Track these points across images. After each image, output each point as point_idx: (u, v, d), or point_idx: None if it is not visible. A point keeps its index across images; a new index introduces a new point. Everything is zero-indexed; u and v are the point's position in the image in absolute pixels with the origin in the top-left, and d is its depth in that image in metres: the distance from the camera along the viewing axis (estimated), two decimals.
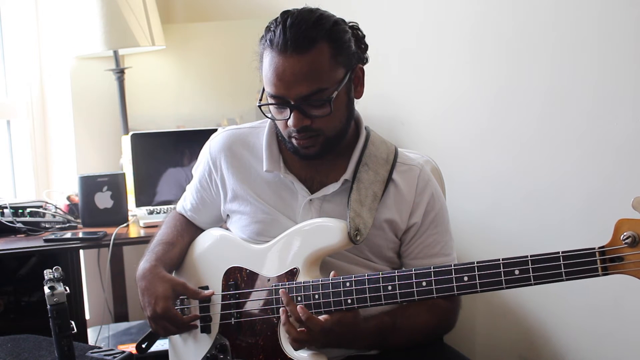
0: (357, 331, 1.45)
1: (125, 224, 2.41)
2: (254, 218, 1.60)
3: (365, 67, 1.54)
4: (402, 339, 1.50)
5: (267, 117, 1.53)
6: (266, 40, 1.45)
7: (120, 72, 2.71)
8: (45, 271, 1.42)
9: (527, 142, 2.12)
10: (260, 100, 1.50)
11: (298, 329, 1.42)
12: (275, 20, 1.45)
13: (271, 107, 1.49)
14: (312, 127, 1.46)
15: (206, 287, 1.63)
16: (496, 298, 2.27)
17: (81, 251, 2.31)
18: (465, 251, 2.17)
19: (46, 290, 1.38)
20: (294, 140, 1.49)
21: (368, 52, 1.55)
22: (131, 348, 1.66)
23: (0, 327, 2.15)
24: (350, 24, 1.52)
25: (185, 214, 1.78)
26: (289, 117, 1.45)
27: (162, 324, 1.55)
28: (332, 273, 1.45)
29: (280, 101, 1.45)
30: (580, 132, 1.97)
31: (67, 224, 2.42)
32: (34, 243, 2.24)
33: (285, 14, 1.45)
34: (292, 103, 1.43)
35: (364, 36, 1.54)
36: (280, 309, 1.46)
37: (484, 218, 2.27)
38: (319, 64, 1.42)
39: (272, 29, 1.44)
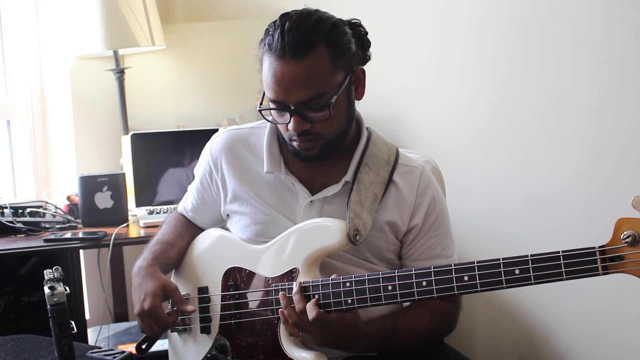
0: (357, 334, 1.44)
1: (125, 224, 2.41)
2: (254, 219, 1.60)
3: (366, 67, 1.53)
4: (403, 342, 1.49)
5: (268, 120, 1.53)
6: (265, 44, 1.44)
7: (120, 72, 2.71)
8: (45, 271, 1.43)
9: (528, 144, 2.12)
10: (261, 103, 1.50)
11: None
12: (274, 23, 1.44)
13: (272, 110, 1.49)
14: (312, 131, 1.46)
15: (206, 288, 1.63)
16: (496, 298, 2.27)
17: (81, 251, 2.30)
18: (466, 253, 2.17)
19: (46, 290, 1.38)
20: (294, 143, 1.49)
21: (370, 51, 1.54)
22: (131, 348, 1.66)
23: (0, 327, 2.15)
24: (353, 21, 1.51)
25: (186, 214, 1.78)
26: (289, 121, 1.45)
27: (147, 322, 1.53)
28: (333, 275, 1.44)
29: (280, 106, 1.45)
30: (582, 134, 1.97)
31: (67, 224, 2.41)
32: (34, 243, 2.24)
33: (284, 17, 1.43)
34: (292, 108, 1.43)
35: (367, 33, 1.53)
36: (280, 293, 1.46)
37: (484, 219, 2.27)
38: (318, 69, 1.41)
39: (270, 32, 1.43)
